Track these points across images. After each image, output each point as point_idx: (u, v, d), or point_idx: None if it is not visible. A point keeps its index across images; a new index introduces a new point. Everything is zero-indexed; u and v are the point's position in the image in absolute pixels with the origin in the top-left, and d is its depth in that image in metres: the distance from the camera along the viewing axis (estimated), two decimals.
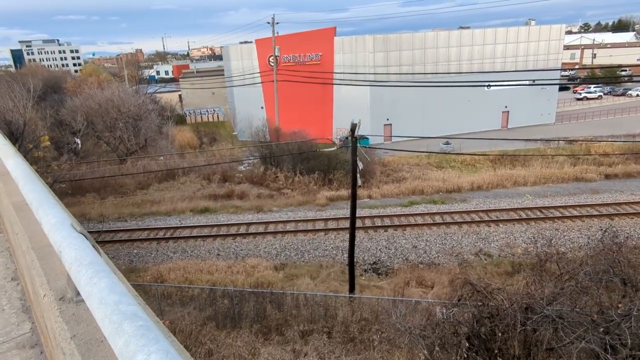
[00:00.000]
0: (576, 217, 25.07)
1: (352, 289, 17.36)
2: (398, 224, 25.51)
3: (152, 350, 1.32)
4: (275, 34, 44.08)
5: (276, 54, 44.13)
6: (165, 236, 25.78)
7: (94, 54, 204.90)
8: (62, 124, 38.79)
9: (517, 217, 25.36)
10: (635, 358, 9.62)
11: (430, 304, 14.37)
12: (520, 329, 10.18)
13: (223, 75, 57.86)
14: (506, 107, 51.26)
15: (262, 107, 50.39)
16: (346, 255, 19.57)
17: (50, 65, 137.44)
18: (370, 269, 21.26)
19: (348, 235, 17.59)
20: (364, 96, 45.33)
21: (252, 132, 44.99)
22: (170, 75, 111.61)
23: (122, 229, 27.08)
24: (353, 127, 15.85)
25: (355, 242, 18.05)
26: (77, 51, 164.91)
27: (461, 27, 54.63)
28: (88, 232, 2.36)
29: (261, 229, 26.06)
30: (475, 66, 47.91)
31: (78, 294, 2.06)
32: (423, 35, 47.12)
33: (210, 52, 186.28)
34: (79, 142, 35.54)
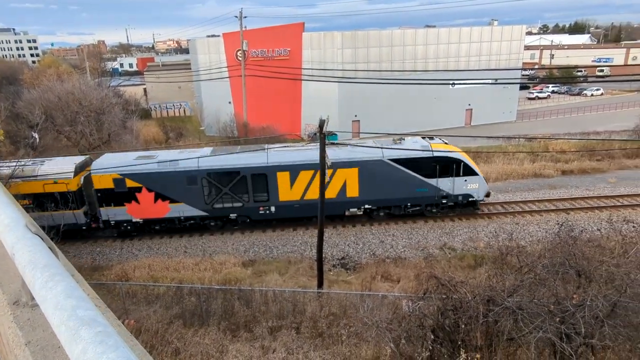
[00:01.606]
0: (535, 211, 26.10)
1: (320, 284, 17.47)
2: (365, 219, 25.80)
3: (112, 357, 1.28)
4: (243, 28, 43.51)
5: (244, 49, 43.58)
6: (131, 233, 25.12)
7: (52, 45, 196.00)
8: (19, 117, 37.03)
9: (480, 212, 26.14)
10: (588, 346, 10.13)
11: (397, 298, 14.64)
12: (482, 320, 10.53)
13: (190, 69, 56.71)
14: (470, 105, 52.63)
15: (230, 102, 49.70)
16: (315, 250, 19.65)
17: (6, 56, 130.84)
18: (338, 264, 21.44)
19: (317, 231, 17.66)
20: (333, 92, 45.47)
21: (219, 127, 44.37)
22: (135, 68, 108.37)
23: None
24: (321, 123, 15.88)
25: (324, 238, 18.15)
26: (34, 41, 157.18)
27: (427, 26, 55.66)
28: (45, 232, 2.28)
29: (229, 225, 25.77)
30: (440, 64, 48.91)
31: (33, 298, 1.99)
32: (390, 33, 47.66)
33: (176, 45, 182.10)
34: (36, 136, 34.00)
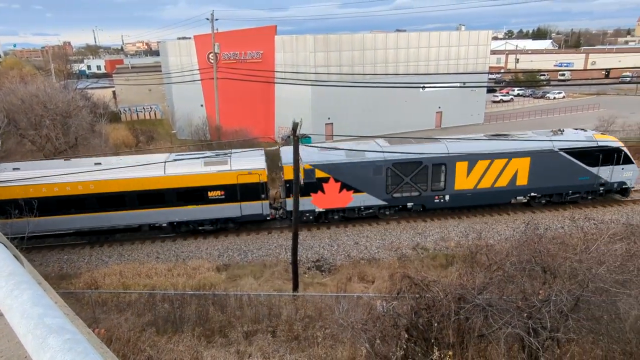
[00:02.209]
0: (503, 211, 26.84)
1: (295, 287, 17.47)
2: (340, 220, 25.96)
3: None
4: (215, 31, 43.10)
5: (216, 51, 43.16)
6: (99, 239, 24.47)
7: (15, 46, 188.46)
8: None
9: (450, 213, 26.70)
10: (553, 339, 10.51)
11: (372, 299, 14.80)
12: (454, 318, 10.75)
13: (160, 71, 55.70)
14: (439, 107, 53.73)
15: (202, 105, 49.09)
16: (290, 253, 19.63)
17: None
18: (313, 267, 21.49)
19: (291, 234, 17.66)
20: (306, 95, 45.56)
21: (192, 131, 43.77)
22: (103, 70, 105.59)
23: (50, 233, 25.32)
24: (295, 126, 15.92)
25: (299, 240, 18.17)
26: None
27: (398, 30, 56.50)
28: (9, 239, 2.24)
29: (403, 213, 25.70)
30: (411, 68, 49.74)
31: None
32: (362, 36, 48.16)
33: (146, 47, 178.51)
34: None
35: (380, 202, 24.89)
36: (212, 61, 44.37)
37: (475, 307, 10.77)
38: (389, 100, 48.58)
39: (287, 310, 15.42)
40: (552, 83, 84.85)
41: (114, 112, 60.40)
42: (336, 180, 24.01)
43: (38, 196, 21.86)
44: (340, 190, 24.20)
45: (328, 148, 25.32)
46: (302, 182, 22.71)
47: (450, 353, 10.46)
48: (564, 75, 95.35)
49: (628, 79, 77.43)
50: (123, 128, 50.51)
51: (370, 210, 25.25)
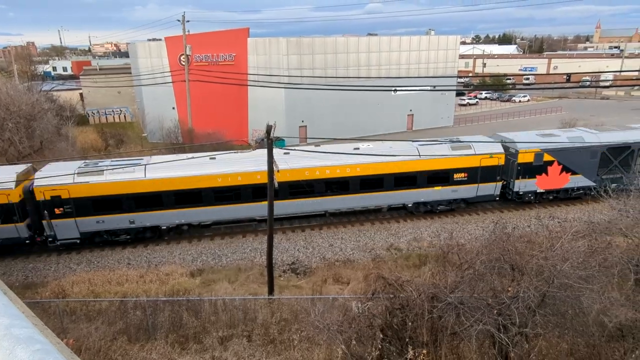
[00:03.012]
0: (473, 211, 27.50)
1: (271, 291, 17.39)
2: (315, 223, 26.03)
3: None
4: (187, 33, 42.54)
5: (188, 53, 42.59)
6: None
7: None
8: None
9: (423, 214, 27.15)
10: (522, 335, 10.84)
11: (347, 300, 14.87)
12: (427, 317, 10.95)
13: (130, 73, 54.53)
14: (411, 110, 54.66)
15: (173, 108, 48.34)
16: (265, 257, 19.54)
17: None
18: (289, 269, 21.47)
19: (266, 237, 17.58)
20: (279, 98, 45.52)
21: (163, 134, 43.04)
22: (70, 71, 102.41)
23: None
24: (268, 129, 15.86)
25: (274, 244, 18.10)
26: None
27: (369, 34, 57.14)
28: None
29: (175, 234, 25.05)
30: (382, 71, 50.44)
31: None
32: (334, 40, 48.49)
33: (115, 48, 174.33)
34: None
35: (590, 183, 27.26)
36: (183, 63, 43.77)
37: (447, 306, 11.00)
38: (362, 103, 49.10)
39: (263, 313, 15.34)
40: (517, 87, 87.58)
41: (82, 115, 58.77)
42: (559, 164, 26.84)
43: (330, 177, 24.56)
44: (561, 172, 27.02)
45: (544, 134, 28.17)
46: (531, 164, 26.68)
47: (424, 351, 10.63)
48: (528, 79, 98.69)
49: (587, 83, 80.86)
50: (91, 131, 49.23)
51: (580, 191, 27.73)
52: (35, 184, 21.87)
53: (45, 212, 22.09)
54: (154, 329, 14.85)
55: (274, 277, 17.84)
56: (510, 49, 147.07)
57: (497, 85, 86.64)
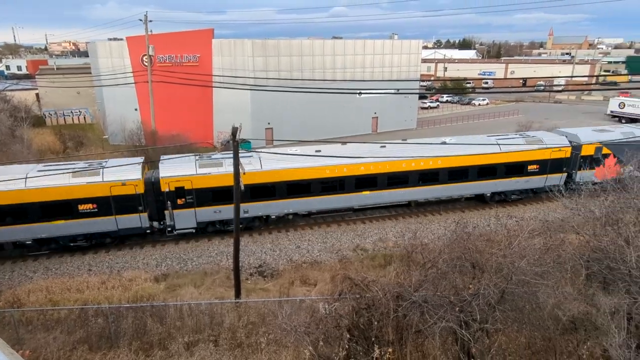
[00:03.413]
0: (435, 211, 28.28)
1: (238, 294, 17.27)
2: (281, 225, 26.02)
3: None
4: (149, 33, 41.58)
5: (150, 54, 41.63)
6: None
7: None
8: None
9: (388, 214, 27.69)
10: (483, 330, 11.27)
11: (314, 301, 14.96)
12: (393, 315, 11.21)
13: (90, 73, 52.71)
14: (375, 113, 55.57)
15: (136, 109, 47.08)
16: (231, 260, 19.39)
17: None
18: (256, 272, 21.36)
19: (233, 240, 17.46)
20: (245, 100, 45.23)
21: (125, 136, 41.88)
22: (25, 71, 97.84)
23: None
24: (234, 131, 15.78)
25: (240, 246, 18.00)
26: None
27: (334, 37, 57.70)
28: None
29: (139, 239, 24.44)
30: (348, 74, 51.06)
31: None
32: (300, 42, 48.66)
33: (73, 47, 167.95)
34: None
35: None
36: (146, 64, 42.75)
37: (412, 304, 11.29)
38: (328, 105, 49.47)
39: (230, 317, 15.22)
40: (477, 90, 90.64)
41: (38, 116, 56.31)
42: (614, 156, 28.90)
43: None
44: (615, 164, 28.80)
45: (600, 130, 30.73)
46: (592, 157, 29.13)
47: (390, 350, 10.87)
48: (487, 83, 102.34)
49: (542, 87, 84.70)
50: (48, 133, 47.24)
51: None
52: (160, 175, 22.94)
53: (169, 202, 22.98)
54: (117, 337, 14.46)
55: (240, 281, 17.73)
56: (470, 53, 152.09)
57: (458, 89, 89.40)
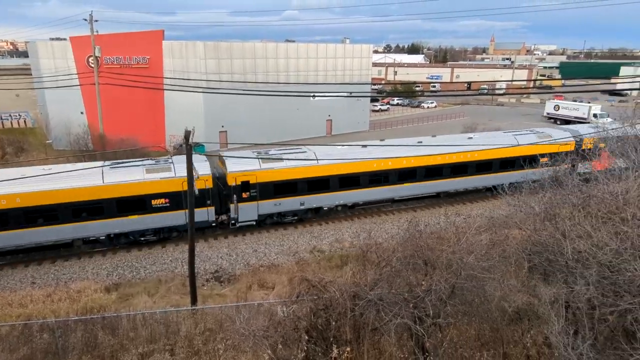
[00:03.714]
0: (389, 211, 29.07)
1: (194, 301, 16.96)
2: (238, 230, 25.77)
3: None
4: (95, 33, 39.90)
5: (97, 55, 39.95)
6: None
7: None
8: None
9: (344, 215, 28.12)
10: (436, 325, 11.74)
11: (272, 305, 14.96)
12: (350, 315, 11.44)
13: (30, 74, 49.82)
14: (329, 115, 56.22)
15: (82, 112, 44.99)
16: (186, 266, 19.00)
17: None
18: (212, 278, 21.05)
19: (187, 246, 17.13)
20: (198, 103, 44.41)
21: (71, 140, 39.88)
22: None
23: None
24: (187, 134, 15.49)
25: (196, 252, 17.68)
26: None
27: (287, 40, 57.90)
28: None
29: (87, 247, 23.42)
30: (301, 77, 51.36)
31: None
32: (253, 45, 48.40)
33: (11, 47, 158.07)
34: None
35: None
36: (92, 65, 40.99)
37: (368, 303, 11.57)
38: (283, 108, 49.50)
39: (186, 325, 14.93)
40: (425, 94, 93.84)
41: None
42: (608, 150, 29.78)
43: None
44: (608, 157, 29.03)
45: (595, 127, 31.49)
46: (590, 150, 28.73)
47: (348, 349, 11.09)
48: (435, 87, 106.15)
49: (485, 91, 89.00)
50: None
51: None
52: (229, 170, 23.93)
53: (234, 195, 23.90)
54: (65, 352, 13.82)
55: (196, 287, 17.41)
56: (418, 58, 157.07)
57: (408, 92, 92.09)
